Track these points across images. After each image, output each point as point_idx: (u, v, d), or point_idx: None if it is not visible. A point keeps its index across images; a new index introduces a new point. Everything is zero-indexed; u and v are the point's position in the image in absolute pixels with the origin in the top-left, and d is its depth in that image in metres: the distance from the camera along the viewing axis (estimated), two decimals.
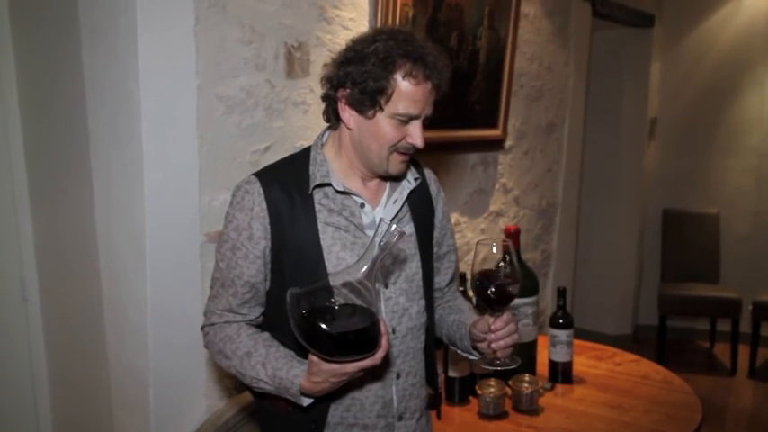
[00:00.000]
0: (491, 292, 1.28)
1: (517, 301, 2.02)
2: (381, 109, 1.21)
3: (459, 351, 1.47)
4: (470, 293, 1.41)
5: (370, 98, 1.21)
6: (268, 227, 1.25)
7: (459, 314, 1.46)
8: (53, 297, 2.04)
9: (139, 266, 1.69)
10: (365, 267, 1.06)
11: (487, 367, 1.34)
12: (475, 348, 1.40)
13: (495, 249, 1.29)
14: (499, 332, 1.28)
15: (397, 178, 1.34)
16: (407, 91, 1.20)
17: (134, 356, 1.76)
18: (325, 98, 1.30)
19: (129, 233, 1.71)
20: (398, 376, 1.34)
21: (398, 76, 1.19)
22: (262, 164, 1.85)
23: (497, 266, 1.29)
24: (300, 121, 2.00)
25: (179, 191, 1.72)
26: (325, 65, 1.31)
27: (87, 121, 1.76)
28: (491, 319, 1.29)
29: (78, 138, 1.80)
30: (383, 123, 1.22)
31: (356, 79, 1.20)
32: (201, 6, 1.72)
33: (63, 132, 1.88)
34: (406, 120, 1.23)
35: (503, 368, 1.32)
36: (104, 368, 1.85)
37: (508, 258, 1.29)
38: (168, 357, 1.74)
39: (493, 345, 1.29)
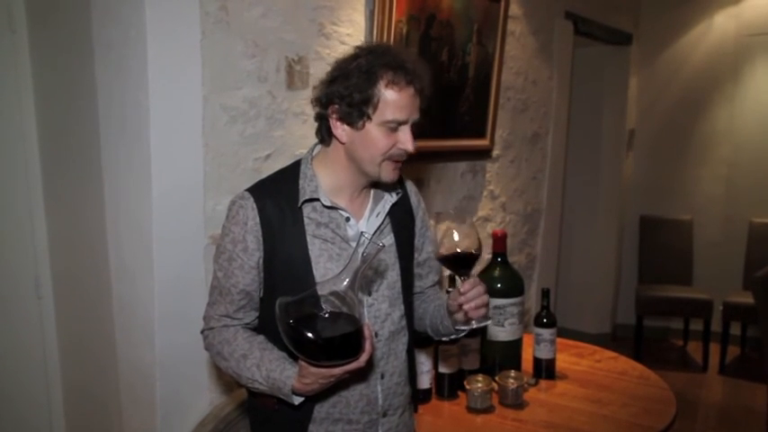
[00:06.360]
0: (454, 257, 1.29)
1: (503, 301, 2.02)
2: (370, 119, 1.21)
3: (442, 336, 1.46)
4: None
5: (358, 110, 1.21)
6: (261, 239, 1.25)
7: (439, 301, 1.48)
8: (66, 295, 2.02)
9: (147, 267, 1.68)
10: (348, 278, 1.06)
11: (463, 327, 1.35)
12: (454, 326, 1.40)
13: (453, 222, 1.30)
14: (468, 293, 1.28)
15: (388, 186, 1.34)
16: (392, 98, 1.20)
17: (141, 353, 1.74)
18: (317, 118, 1.31)
19: (138, 235, 1.69)
20: (383, 376, 1.34)
21: (382, 85, 1.20)
22: (263, 170, 1.85)
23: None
24: (300, 131, 1.99)
25: (185, 196, 1.71)
26: (314, 87, 1.31)
27: (99, 128, 1.75)
28: (461, 285, 1.30)
29: (90, 144, 1.79)
30: (374, 132, 1.22)
31: (343, 94, 1.21)
32: (207, 22, 1.72)
33: (76, 138, 1.87)
34: (395, 126, 1.22)
35: (477, 326, 1.33)
36: (113, 363, 1.83)
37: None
38: (174, 354, 1.73)
39: (465, 306, 1.29)
